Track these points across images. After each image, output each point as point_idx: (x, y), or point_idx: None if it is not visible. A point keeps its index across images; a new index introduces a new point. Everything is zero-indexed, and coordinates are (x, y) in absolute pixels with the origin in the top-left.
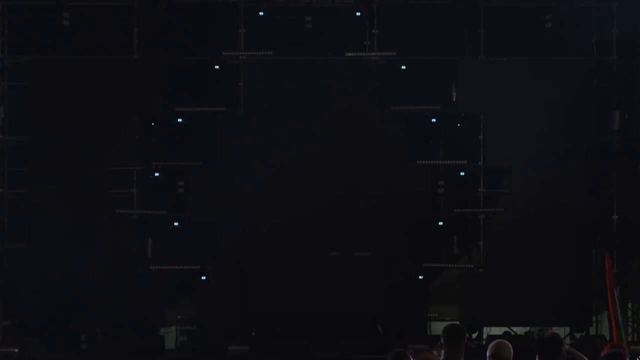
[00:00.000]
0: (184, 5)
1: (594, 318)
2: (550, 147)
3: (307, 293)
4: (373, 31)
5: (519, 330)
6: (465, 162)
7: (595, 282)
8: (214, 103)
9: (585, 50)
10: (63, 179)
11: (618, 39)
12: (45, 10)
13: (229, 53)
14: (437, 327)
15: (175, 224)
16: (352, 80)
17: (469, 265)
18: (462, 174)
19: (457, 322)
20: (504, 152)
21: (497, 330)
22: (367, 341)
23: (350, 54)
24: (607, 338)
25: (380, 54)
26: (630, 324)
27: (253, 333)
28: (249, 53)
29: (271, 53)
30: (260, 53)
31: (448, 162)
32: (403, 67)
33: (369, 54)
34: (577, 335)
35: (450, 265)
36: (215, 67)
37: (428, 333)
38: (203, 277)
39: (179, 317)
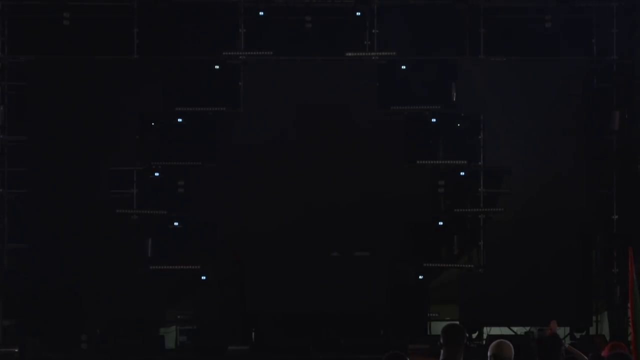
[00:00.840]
0: (184, 5)
1: (594, 318)
2: (550, 147)
3: (307, 293)
4: (373, 31)
5: (519, 330)
6: (465, 162)
7: (595, 282)
8: (214, 103)
9: (585, 50)
10: (63, 179)
11: (618, 39)
12: (45, 10)
13: (229, 53)
14: (437, 327)
15: (175, 224)
16: (352, 80)
17: (469, 265)
18: (462, 174)
19: (457, 322)
20: (504, 152)
21: (497, 330)
22: (367, 341)
23: (350, 54)
24: (608, 338)
25: (380, 54)
26: (630, 324)
27: (253, 333)
28: (249, 53)
29: (271, 53)
30: (260, 53)
31: (448, 162)
32: (403, 67)
33: (369, 54)
34: (577, 335)
35: (450, 265)
36: (215, 67)
37: (428, 333)
38: (203, 277)
39: (179, 317)
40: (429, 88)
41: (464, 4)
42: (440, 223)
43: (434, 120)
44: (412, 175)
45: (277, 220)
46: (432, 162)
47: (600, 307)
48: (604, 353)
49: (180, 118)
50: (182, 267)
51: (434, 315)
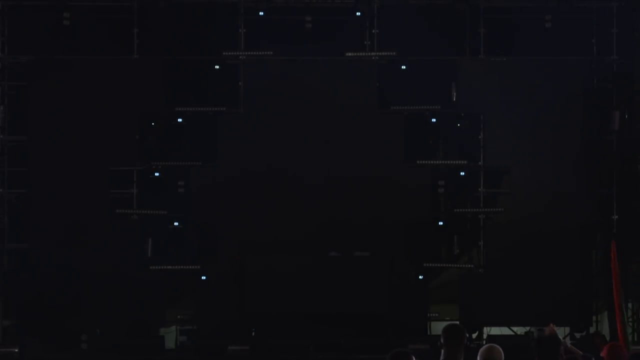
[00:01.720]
0: (184, 5)
1: (594, 318)
2: (550, 147)
3: (307, 293)
4: (373, 31)
5: (519, 330)
6: (465, 162)
7: (595, 282)
8: (214, 103)
9: (585, 50)
10: (63, 179)
11: (618, 39)
12: (45, 10)
13: (229, 53)
14: (437, 327)
15: (175, 224)
16: (352, 80)
17: (469, 265)
18: (462, 174)
19: (457, 322)
20: (504, 152)
21: (497, 330)
22: (367, 341)
23: (350, 54)
24: (608, 338)
25: (380, 54)
26: (630, 324)
27: (253, 333)
28: (249, 53)
29: (271, 53)
30: (260, 53)
31: (448, 162)
32: (403, 67)
33: (369, 54)
34: (577, 335)
35: (450, 265)
36: (215, 67)
37: (428, 333)
38: (203, 277)
39: (179, 317)
40: (429, 88)
41: (464, 4)
42: (440, 223)
43: (434, 120)
44: (412, 175)
45: (277, 220)
46: (432, 162)
47: (600, 307)
48: (602, 353)
49: (180, 118)
50: (182, 267)
51: (434, 315)
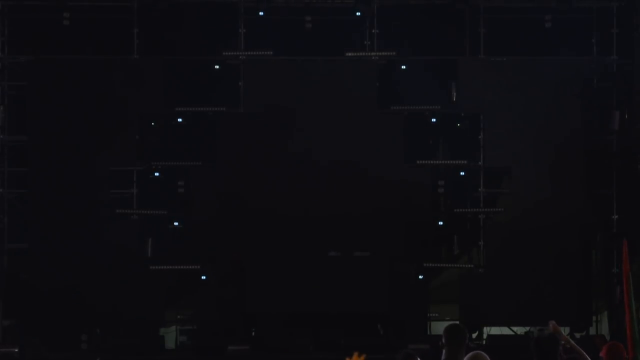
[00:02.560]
0: (184, 5)
1: (594, 318)
2: (550, 147)
3: (307, 293)
4: (373, 31)
5: (519, 330)
6: (465, 162)
7: (595, 282)
8: (214, 103)
9: (585, 50)
10: (63, 179)
11: (618, 39)
12: (45, 10)
13: (229, 53)
14: (437, 327)
15: (175, 224)
16: (352, 80)
17: (469, 265)
18: (462, 174)
19: (458, 322)
20: (504, 152)
21: (497, 330)
22: (367, 341)
23: (350, 54)
24: (608, 338)
25: (380, 54)
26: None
27: (253, 333)
28: (249, 53)
29: (271, 53)
30: (260, 53)
31: (448, 162)
32: (403, 67)
33: (369, 54)
34: (577, 335)
35: (450, 265)
36: (215, 67)
37: (428, 333)
38: (203, 277)
39: (179, 317)
40: (429, 88)
41: (464, 4)
42: (440, 223)
43: (434, 120)
44: (412, 175)
45: (277, 220)
46: (432, 162)
47: (600, 307)
48: (602, 353)
49: (180, 118)
50: (182, 267)
51: (434, 315)
